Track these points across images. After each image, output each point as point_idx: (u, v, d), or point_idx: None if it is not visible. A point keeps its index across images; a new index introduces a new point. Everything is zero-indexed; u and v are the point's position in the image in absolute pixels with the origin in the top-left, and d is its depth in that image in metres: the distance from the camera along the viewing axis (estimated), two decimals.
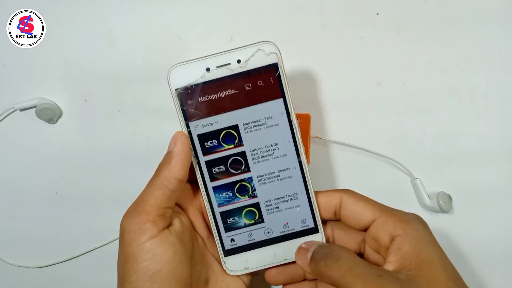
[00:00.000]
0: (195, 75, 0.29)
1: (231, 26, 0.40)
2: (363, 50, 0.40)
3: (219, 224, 0.31)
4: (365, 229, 0.30)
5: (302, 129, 0.37)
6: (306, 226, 0.31)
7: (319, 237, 0.31)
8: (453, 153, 0.40)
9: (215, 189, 0.31)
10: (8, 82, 0.41)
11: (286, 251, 0.31)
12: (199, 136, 0.30)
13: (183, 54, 0.40)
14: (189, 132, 0.30)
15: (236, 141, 0.30)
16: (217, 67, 0.28)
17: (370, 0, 0.39)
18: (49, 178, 0.42)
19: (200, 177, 0.31)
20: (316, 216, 0.31)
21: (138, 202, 0.28)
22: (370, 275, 0.25)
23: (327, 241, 0.32)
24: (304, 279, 0.32)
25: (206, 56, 0.28)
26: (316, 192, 0.32)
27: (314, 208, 0.31)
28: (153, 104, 0.41)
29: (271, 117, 0.30)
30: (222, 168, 0.31)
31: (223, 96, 0.29)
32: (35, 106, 0.39)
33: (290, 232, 0.31)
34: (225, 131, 0.30)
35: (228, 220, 0.31)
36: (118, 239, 0.28)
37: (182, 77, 0.29)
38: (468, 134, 0.40)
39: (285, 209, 0.31)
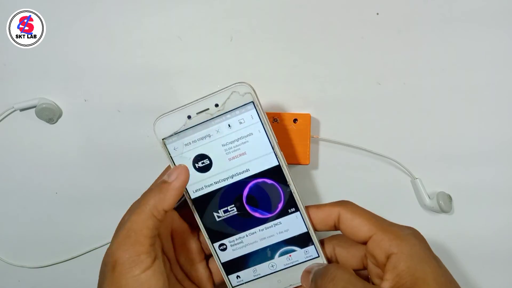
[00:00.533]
0: (178, 123, 0.31)
1: (231, 26, 0.40)
2: (363, 50, 0.40)
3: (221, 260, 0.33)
4: (365, 243, 0.30)
5: (302, 129, 0.37)
6: (309, 256, 0.32)
7: (320, 261, 0.32)
8: (453, 153, 0.40)
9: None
10: (8, 82, 0.41)
11: (290, 277, 0.32)
12: (194, 200, 0.32)
13: (183, 54, 0.40)
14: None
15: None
16: (197, 113, 0.30)
17: (370, 0, 0.39)
18: (49, 178, 0.42)
19: (198, 216, 0.32)
20: (315, 242, 0.32)
21: (129, 231, 0.27)
22: None
23: (330, 260, 0.32)
24: None
25: (186, 105, 0.30)
26: (314, 206, 0.32)
27: (312, 236, 0.32)
28: (153, 104, 0.41)
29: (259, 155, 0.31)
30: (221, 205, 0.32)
31: (207, 138, 0.31)
32: (35, 106, 0.39)
33: (294, 264, 0.32)
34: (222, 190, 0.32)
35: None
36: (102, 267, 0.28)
37: (166, 127, 0.31)
38: (468, 134, 0.40)
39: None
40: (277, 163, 0.31)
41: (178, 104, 0.40)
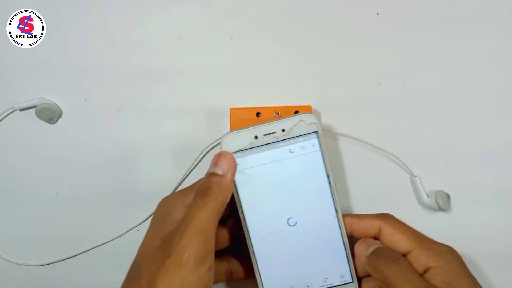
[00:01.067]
0: (245, 141, 0.33)
1: (231, 26, 0.40)
2: (363, 50, 0.40)
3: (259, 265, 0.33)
4: (404, 255, 0.31)
5: None
6: (344, 281, 0.34)
7: (353, 286, 0.34)
8: (453, 152, 0.40)
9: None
10: (8, 82, 0.41)
11: None
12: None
13: (183, 54, 0.40)
14: (237, 191, 0.32)
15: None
16: (264, 135, 0.32)
17: (370, 0, 0.39)
18: (49, 178, 0.42)
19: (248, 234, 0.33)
20: (351, 268, 0.33)
21: (198, 227, 0.28)
22: (420, 284, 0.28)
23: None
24: None
25: (254, 126, 0.33)
26: (356, 216, 0.33)
27: (349, 261, 0.33)
28: (153, 104, 0.41)
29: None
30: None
31: (269, 159, 0.33)
32: (35, 106, 0.39)
33: (329, 286, 0.34)
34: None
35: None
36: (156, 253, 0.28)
37: (233, 143, 0.33)
38: (468, 133, 0.40)
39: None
40: (329, 190, 0.33)
41: (178, 104, 0.40)
